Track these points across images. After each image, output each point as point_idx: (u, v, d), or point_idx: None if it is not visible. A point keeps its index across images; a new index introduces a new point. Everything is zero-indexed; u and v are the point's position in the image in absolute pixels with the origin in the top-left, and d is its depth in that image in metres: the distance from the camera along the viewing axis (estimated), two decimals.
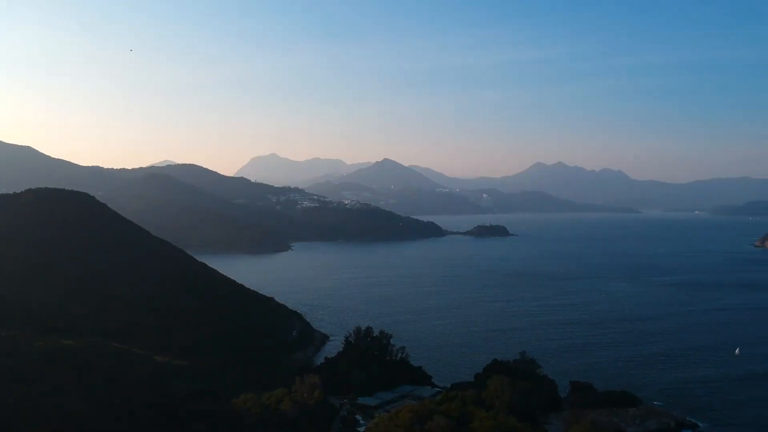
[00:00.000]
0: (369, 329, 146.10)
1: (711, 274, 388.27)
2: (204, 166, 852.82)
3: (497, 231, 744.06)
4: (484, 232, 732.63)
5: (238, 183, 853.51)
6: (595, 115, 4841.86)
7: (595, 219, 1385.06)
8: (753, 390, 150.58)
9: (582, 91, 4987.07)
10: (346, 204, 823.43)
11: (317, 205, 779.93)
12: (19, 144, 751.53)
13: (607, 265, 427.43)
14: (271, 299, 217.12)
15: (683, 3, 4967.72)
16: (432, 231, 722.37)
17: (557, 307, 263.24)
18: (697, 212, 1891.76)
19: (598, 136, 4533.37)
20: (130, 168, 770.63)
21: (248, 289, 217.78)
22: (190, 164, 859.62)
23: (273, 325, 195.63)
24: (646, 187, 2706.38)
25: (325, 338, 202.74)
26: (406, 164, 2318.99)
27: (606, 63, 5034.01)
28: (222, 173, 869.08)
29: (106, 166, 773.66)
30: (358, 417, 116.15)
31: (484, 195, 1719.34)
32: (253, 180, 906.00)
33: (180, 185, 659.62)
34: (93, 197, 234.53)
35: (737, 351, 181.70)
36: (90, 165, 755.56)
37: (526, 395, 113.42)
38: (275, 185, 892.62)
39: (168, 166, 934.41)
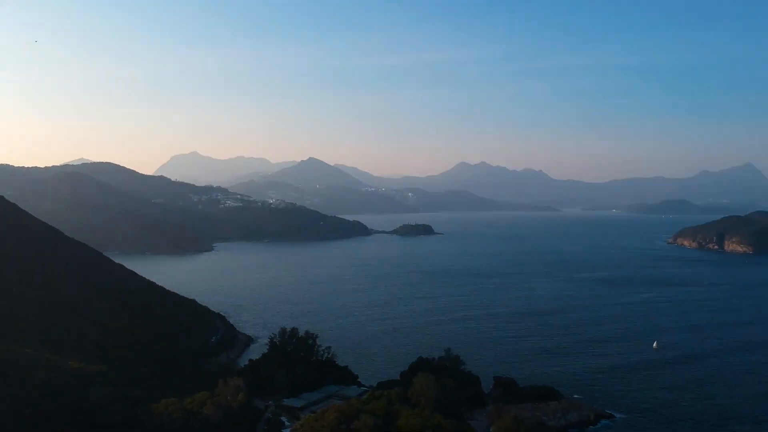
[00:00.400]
0: (294, 330, 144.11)
1: (627, 269, 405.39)
2: (121, 165, 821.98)
3: (423, 230, 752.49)
4: (409, 231, 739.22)
5: (158, 182, 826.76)
6: (517, 116, 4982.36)
7: (517, 217, 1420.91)
8: (665, 379, 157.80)
9: (504, 92, 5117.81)
10: (271, 203, 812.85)
11: (241, 204, 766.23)
12: None
13: (529, 262, 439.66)
14: (192, 301, 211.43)
15: (604, 8, 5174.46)
16: (358, 230, 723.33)
17: (481, 304, 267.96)
18: (614, 210, 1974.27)
19: (520, 136, 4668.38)
20: (42, 166, 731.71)
21: (169, 291, 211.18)
22: (106, 162, 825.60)
23: (195, 327, 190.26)
24: (566, 186, 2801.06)
25: (249, 340, 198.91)
26: (331, 163, 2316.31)
27: (526, 65, 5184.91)
28: (141, 172, 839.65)
29: (16, 164, 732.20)
30: (283, 419, 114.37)
31: (410, 194, 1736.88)
32: (173, 179, 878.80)
33: (96, 184, 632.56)
34: (1, 197, 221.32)
35: (655, 345, 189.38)
36: None
37: (451, 392, 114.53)
38: (197, 184, 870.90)
39: (83, 164, 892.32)
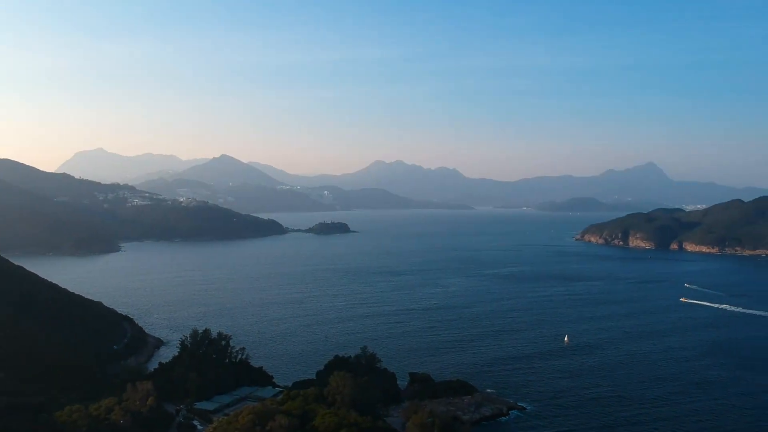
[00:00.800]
0: (207, 331, 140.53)
1: (536, 265, 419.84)
2: (20, 161, 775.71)
3: (339, 228, 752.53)
4: (325, 229, 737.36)
5: (61, 180, 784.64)
6: (433, 115, 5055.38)
7: (432, 215, 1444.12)
8: (570, 368, 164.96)
9: (419, 91, 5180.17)
10: (182, 201, 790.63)
11: (149, 203, 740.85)
12: None
13: (443, 259, 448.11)
14: (98, 304, 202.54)
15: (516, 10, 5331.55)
16: (273, 229, 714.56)
17: (397, 300, 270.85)
18: (524, 208, 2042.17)
19: (436, 135, 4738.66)
20: None
21: (73, 293, 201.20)
22: (4, 159, 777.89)
23: (102, 331, 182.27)
24: (479, 184, 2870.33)
25: (159, 343, 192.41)
26: (245, 161, 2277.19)
27: (440, 65, 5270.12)
28: (42, 169, 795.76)
29: None
30: (196, 422, 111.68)
31: (326, 192, 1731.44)
32: (77, 176, 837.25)
33: None
34: None
35: (566, 339, 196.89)
36: None
37: (367, 390, 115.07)
38: (103, 182, 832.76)
39: None
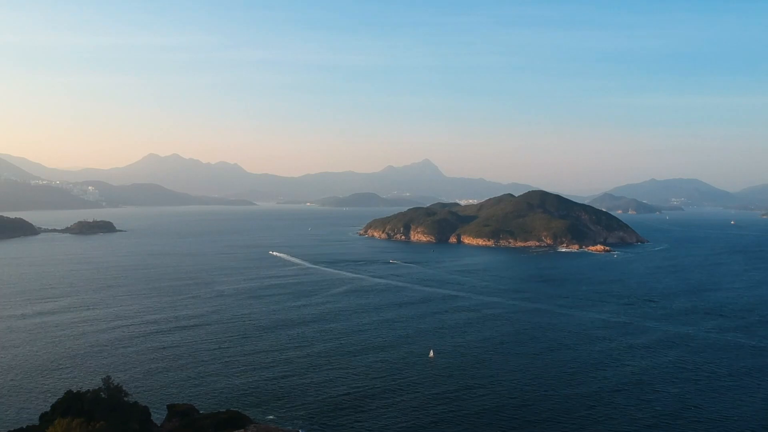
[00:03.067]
0: None
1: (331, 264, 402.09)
2: None
3: (103, 227, 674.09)
4: (86, 228, 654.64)
5: None
6: (212, 108, 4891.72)
7: (212, 211, 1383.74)
8: (349, 385, 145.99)
9: (199, 82, 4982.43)
10: None
11: None
12: None
13: (221, 260, 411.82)
14: None
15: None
16: (21, 229, 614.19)
17: (165, 315, 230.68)
18: (307, 204, 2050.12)
19: (215, 129, 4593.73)
20: None
21: None
22: None
23: None
24: (261, 180, 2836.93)
25: None
26: None
27: (217, 55, 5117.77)
28: None
29: None
30: None
31: (90, 188, 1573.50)
32: None
33: None
34: None
35: (431, 354, 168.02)
36: None
37: None
38: None
39: None
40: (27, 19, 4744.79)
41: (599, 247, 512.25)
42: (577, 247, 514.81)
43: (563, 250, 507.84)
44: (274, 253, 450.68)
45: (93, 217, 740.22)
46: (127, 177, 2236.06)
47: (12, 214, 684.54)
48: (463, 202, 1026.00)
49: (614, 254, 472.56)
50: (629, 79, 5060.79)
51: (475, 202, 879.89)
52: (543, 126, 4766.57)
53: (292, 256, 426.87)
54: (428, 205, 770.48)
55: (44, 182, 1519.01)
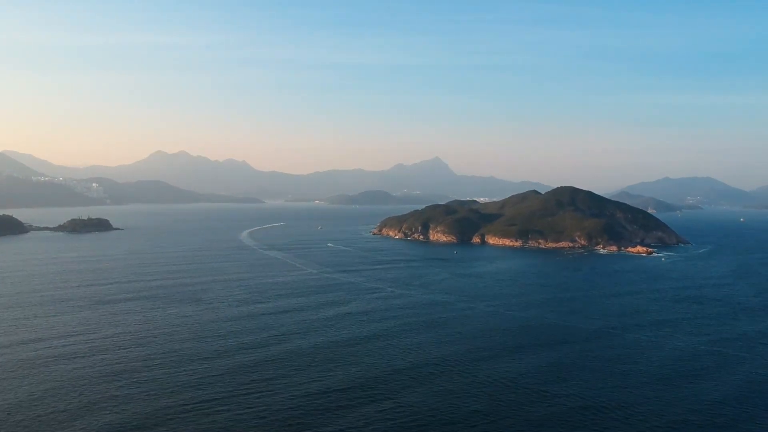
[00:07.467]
0: None
1: (335, 267, 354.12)
2: None
3: (98, 225, 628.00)
4: (80, 226, 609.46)
5: None
6: (220, 105, 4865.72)
7: (219, 209, 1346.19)
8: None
9: (206, 80, 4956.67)
10: None
11: None
12: None
13: (223, 261, 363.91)
14: None
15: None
16: (8, 228, 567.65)
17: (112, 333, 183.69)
18: (316, 202, 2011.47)
19: (223, 125, 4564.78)
20: None
21: None
22: None
23: None
24: (270, 177, 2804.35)
25: None
26: None
27: (230, 54, 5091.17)
28: None
29: None
30: None
31: (94, 184, 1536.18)
32: None
33: None
34: None
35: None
36: None
37: None
38: None
39: None
40: (38, 17, 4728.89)
41: (641, 248, 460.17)
42: (615, 248, 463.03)
43: (601, 251, 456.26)
44: (275, 254, 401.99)
45: (97, 214, 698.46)
46: (133, 174, 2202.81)
47: (8, 212, 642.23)
48: (481, 200, 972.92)
49: (662, 257, 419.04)
50: (641, 77, 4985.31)
51: (497, 200, 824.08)
52: (554, 124, 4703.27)
53: (303, 265, 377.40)
54: (444, 202, 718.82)
55: (46, 179, 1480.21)
